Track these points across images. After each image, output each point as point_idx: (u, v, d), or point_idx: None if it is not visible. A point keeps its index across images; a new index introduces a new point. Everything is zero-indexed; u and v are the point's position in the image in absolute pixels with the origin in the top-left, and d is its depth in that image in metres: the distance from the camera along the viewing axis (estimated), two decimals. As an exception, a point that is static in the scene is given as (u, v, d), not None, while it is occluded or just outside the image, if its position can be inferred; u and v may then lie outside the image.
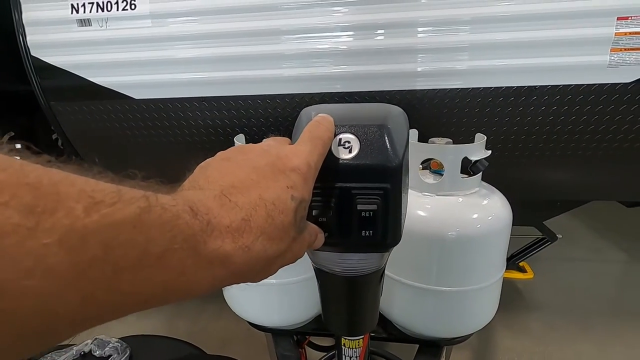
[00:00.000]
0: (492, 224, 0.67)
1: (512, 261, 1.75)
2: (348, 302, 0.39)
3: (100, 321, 0.19)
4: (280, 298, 0.75)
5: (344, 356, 0.52)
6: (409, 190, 0.72)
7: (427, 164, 0.81)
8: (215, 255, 0.22)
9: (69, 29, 1.12)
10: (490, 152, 0.68)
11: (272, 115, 1.17)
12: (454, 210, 0.67)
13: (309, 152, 0.28)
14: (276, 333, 0.80)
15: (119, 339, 0.92)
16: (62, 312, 0.16)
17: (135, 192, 0.20)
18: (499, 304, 0.78)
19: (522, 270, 1.78)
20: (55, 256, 0.15)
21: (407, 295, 0.71)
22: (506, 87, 1.02)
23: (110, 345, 0.90)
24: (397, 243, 0.31)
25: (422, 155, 0.68)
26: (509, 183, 1.14)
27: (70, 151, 1.40)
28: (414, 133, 0.84)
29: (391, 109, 0.36)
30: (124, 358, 0.87)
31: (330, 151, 0.30)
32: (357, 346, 0.51)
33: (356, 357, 0.52)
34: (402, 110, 0.38)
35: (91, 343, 0.91)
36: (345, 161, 0.29)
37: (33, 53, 1.17)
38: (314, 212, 0.29)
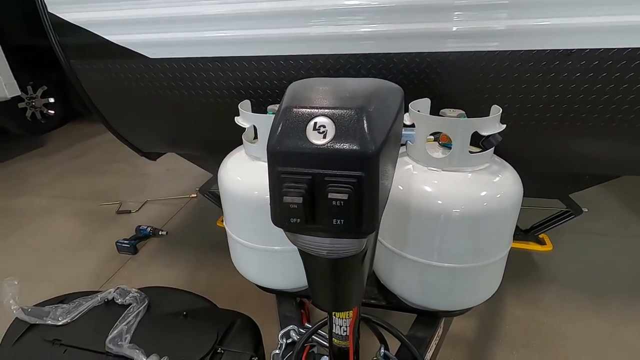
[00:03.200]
0: (499, 202, 0.64)
1: (532, 233, 1.71)
2: (331, 281, 0.39)
3: None
4: (282, 263, 0.78)
5: (334, 325, 0.54)
6: (415, 163, 0.70)
7: (437, 135, 0.78)
8: None
9: (82, -16, 1.10)
10: (505, 126, 0.64)
11: (287, 78, 1.14)
12: (460, 187, 0.65)
13: None
14: (279, 294, 0.84)
15: (139, 289, 1.00)
16: None
17: None
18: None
19: (541, 242, 1.73)
20: None
21: (407, 269, 0.72)
22: (538, 50, 0.93)
23: (131, 295, 0.97)
24: (373, 231, 0.31)
25: (429, 128, 0.65)
26: (535, 154, 1.07)
27: (92, 107, 1.44)
28: (425, 103, 0.79)
29: (382, 86, 0.34)
30: (142, 307, 0.94)
31: (305, 135, 0.29)
32: (347, 317, 0.53)
33: (346, 326, 0.54)
34: (397, 87, 0.35)
35: (114, 291, 0.99)
36: (317, 146, 0.28)
37: (50, 9, 1.17)
38: (284, 199, 0.29)
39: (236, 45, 1.08)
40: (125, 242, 1.85)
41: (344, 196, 0.28)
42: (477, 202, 0.64)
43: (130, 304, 0.95)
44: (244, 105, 0.86)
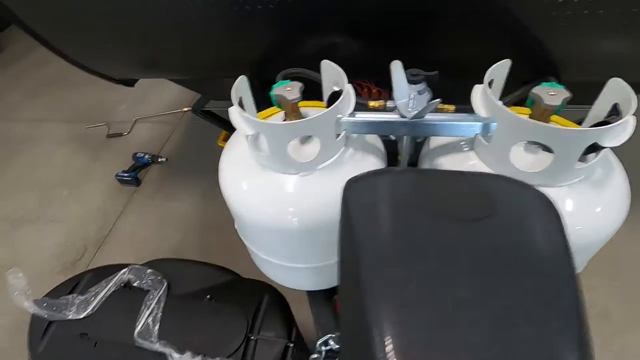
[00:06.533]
0: (593, 230, 0.48)
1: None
2: None
3: None
4: (311, 276, 0.67)
5: None
6: (487, 168, 0.51)
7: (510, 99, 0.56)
8: None
9: None
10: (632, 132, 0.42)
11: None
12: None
13: None
14: (311, 293, 0.77)
15: (152, 267, 0.92)
16: None
17: None
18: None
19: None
20: None
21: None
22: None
23: (147, 276, 0.91)
24: None
25: (520, 135, 0.44)
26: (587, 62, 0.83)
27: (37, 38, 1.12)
28: (502, 68, 0.53)
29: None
30: (162, 291, 0.89)
31: None
32: None
33: None
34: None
35: (128, 272, 0.92)
36: None
37: None
38: None
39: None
40: (125, 174, 1.73)
41: None
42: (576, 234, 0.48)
43: (148, 290, 0.89)
44: (240, 86, 0.55)
